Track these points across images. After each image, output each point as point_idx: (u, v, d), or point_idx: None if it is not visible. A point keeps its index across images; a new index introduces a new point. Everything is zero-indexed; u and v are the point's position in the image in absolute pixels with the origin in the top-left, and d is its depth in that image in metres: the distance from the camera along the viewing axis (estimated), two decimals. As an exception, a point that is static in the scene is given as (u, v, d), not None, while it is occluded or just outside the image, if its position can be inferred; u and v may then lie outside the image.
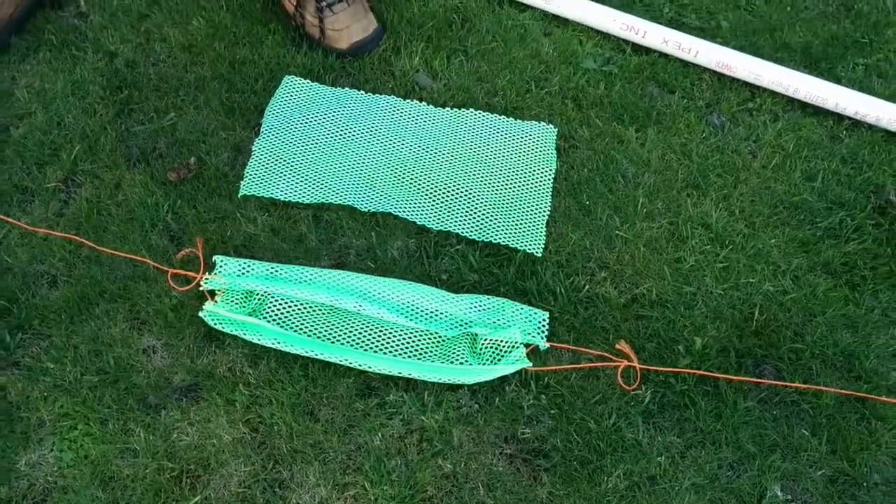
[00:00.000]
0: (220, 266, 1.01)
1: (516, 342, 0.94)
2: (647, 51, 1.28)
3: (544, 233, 1.06)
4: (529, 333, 0.95)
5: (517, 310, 0.97)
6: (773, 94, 1.23)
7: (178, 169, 1.12)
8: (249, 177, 1.12)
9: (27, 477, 0.88)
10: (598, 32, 1.31)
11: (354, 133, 1.17)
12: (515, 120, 1.19)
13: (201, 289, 0.99)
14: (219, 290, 0.99)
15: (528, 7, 1.35)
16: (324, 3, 1.23)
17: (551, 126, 1.18)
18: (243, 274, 1.01)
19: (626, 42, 1.30)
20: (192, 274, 1.01)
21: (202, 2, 1.32)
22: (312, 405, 0.93)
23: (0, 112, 1.17)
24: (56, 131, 1.15)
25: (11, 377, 0.94)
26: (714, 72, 1.25)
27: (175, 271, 1.01)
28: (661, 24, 1.30)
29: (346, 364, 0.94)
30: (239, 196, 1.10)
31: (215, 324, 0.97)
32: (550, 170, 1.13)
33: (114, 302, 1.00)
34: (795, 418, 0.93)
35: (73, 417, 0.91)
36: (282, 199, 1.09)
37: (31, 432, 0.90)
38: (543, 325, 0.97)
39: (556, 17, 1.33)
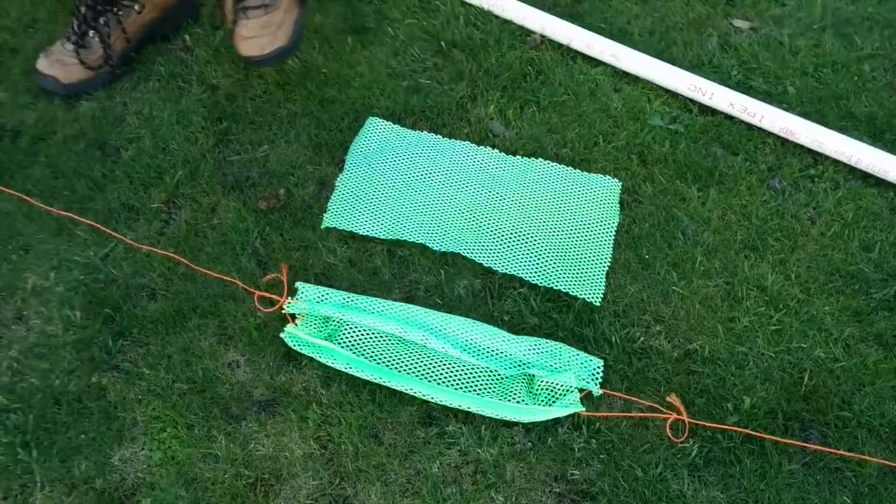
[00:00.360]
0: (302, 292, 1.10)
1: (571, 386, 1.00)
2: (714, 112, 1.34)
3: (604, 283, 1.12)
4: (584, 379, 1.01)
5: (573, 355, 1.03)
6: (836, 162, 1.27)
7: (268, 198, 1.22)
8: (332, 210, 1.21)
9: (119, 471, 0.97)
10: (667, 91, 1.37)
11: (430, 175, 1.26)
12: (582, 172, 1.26)
13: (283, 312, 1.08)
14: (299, 315, 1.08)
15: (599, 63, 1.42)
16: (240, 6, 1.26)
17: (616, 180, 1.24)
18: (322, 301, 1.10)
19: (693, 102, 1.35)
20: (276, 297, 1.10)
21: (297, 42, 1.43)
22: (377, 429, 1.00)
23: (113, 135, 1.30)
24: (161, 156, 1.27)
25: (111, 379, 1.04)
26: (778, 136, 1.30)
27: (261, 294, 1.11)
28: (728, 86, 1.35)
29: (410, 393, 1.02)
30: (321, 227, 1.19)
31: (294, 345, 1.06)
32: (613, 222, 1.19)
33: (205, 317, 1.09)
34: (838, 485, 0.96)
35: (164, 420, 1.01)
36: (360, 233, 1.18)
37: (125, 431, 1.00)
38: (598, 372, 1.03)
39: (626, 74, 1.40)
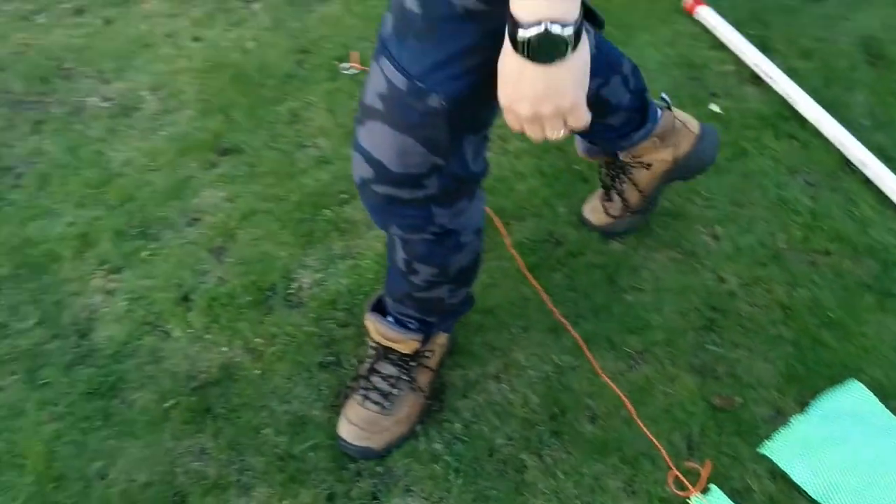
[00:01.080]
0: (712, 495, 1.16)
1: None
2: None
3: None
4: None
5: None
6: None
7: (724, 398, 1.31)
8: (777, 442, 1.24)
9: (503, 536, 1.17)
10: None
11: (889, 465, 1.18)
12: None
13: (688, 502, 1.16)
14: (701, 513, 1.14)
15: None
16: (364, 386, 1.27)
17: None
18: (726, 515, 1.14)
19: None
20: (688, 484, 1.18)
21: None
22: None
23: (624, 277, 1.54)
24: (653, 314, 1.46)
25: (534, 462, 1.25)
26: None
27: (677, 474, 1.20)
28: None
29: None
30: (758, 451, 1.23)
31: (683, 538, 1.12)
32: None
33: (623, 463, 1.23)
34: None
35: (552, 522, 1.17)
36: (792, 477, 1.18)
37: (522, 509, 1.20)
38: None
39: None
